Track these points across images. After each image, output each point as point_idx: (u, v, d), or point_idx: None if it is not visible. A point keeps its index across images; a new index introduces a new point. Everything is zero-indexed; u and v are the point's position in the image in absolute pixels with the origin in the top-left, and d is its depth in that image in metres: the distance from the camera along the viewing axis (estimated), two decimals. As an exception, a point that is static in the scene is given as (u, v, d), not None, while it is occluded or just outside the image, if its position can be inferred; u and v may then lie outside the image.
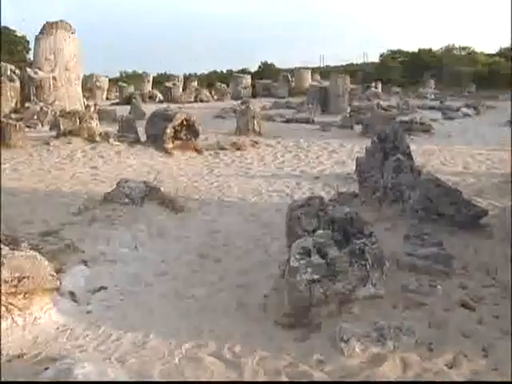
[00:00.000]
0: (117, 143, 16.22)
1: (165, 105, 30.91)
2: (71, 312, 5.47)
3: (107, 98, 47.55)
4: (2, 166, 13.66)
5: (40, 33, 28.83)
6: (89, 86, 49.81)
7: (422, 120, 21.28)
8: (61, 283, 5.54)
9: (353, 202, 8.32)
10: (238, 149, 16.56)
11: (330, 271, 4.89)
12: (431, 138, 19.39)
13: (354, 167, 10.34)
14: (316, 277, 4.83)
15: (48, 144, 16.01)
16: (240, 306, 5.53)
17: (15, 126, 15.73)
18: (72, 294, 5.84)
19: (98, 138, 16.48)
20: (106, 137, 16.63)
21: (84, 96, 39.22)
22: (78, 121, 17.73)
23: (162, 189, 9.55)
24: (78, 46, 29.30)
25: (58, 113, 20.39)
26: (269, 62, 67.12)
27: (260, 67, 66.04)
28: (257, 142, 17.53)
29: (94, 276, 6.32)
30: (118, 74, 70.91)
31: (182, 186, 11.30)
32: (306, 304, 4.85)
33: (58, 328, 5.14)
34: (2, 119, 16.20)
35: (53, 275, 5.37)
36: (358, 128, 20.64)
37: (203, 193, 10.83)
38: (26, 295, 5.21)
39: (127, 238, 7.50)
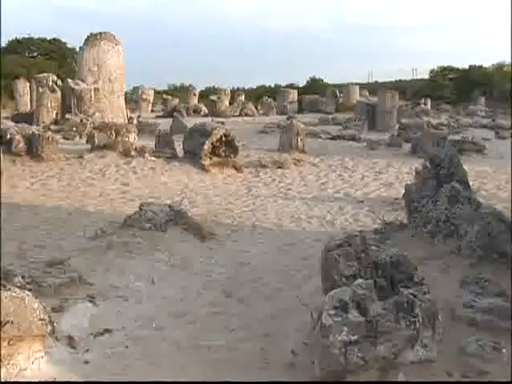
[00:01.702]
0: (152, 158, 15.49)
1: (209, 119, 30.31)
2: (65, 361, 4.64)
3: (152, 111, 47.25)
4: (32, 180, 13.10)
5: (84, 44, 28.52)
6: (134, 98, 49.72)
7: (473, 139, 20.17)
8: (53, 328, 4.72)
9: (400, 234, 7.38)
10: (280, 167, 15.71)
11: (371, 331, 3.98)
12: (484, 158, 18.26)
13: (402, 191, 9.43)
14: (353, 338, 3.92)
15: (82, 157, 15.37)
16: (264, 361, 4.64)
17: (48, 137, 15.12)
18: (70, 338, 5.02)
19: (133, 153, 15.78)
20: (141, 152, 15.92)
21: (129, 108, 38.96)
22: (113, 134, 17.10)
23: (189, 213, 8.73)
24: (122, 58, 28.87)
25: (94, 125, 19.80)
26: (317, 77, 66.18)
27: (308, 82, 65.16)
28: (300, 160, 16.64)
29: (100, 315, 5.49)
30: (166, 87, 70.88)
31: (215, 208, 10.51)
32: (341, 370, 3.94)
33: (45, 382, 4.34)
34: (35, 131, 15.60)
35: (43, 319, 4.54)
36: (406, 147, 19.60)
37: (236, 217, 9.97)
38: (11, 342, 4.41)
39: (144, 270, 6.66)
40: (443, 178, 7.40)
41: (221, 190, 12.71)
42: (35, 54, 66.71)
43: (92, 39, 27.95)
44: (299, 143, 18.44)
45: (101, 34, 28.05)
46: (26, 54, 66.11)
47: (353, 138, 23.13)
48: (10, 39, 67.34)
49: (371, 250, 4.82)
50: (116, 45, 28.42)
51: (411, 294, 4.28)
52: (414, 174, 10.41)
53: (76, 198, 11.40)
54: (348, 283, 4.60)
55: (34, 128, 20.40)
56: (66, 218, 9.55)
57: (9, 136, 15.22)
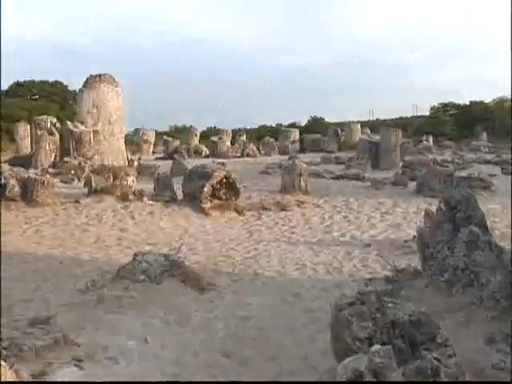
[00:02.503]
0: (151, 202, 14.99)
1: (210, 160, 29.92)
2: None
3: (153, 152, 47.01)
4: (25, 226, 12.61)
5: (83, 86, 28.31)
6: (135, 139, 49.54)
7: (480, 176, 19.65)
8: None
9: (414, 283, 6.83)
10: (283, 209, 15.19)
11: (393, 407, 3.43)
12: (493, 195, 17.70)
13: (411, 232, 8.89)
14: (372, 416, 3.38)
15: (78, 202, 14.87)
16: None
17: (43, 182, 14.65)
18: (51, 411, 4.48)
19: (131, 197, 15.29)
20: (140, 195, 15.43)
21: (129, 150, 38.64)
22: (111, 177, 16.65)
23: (187, 261, 8.20)
24: (122, 100, 28.62)
25: (91, 168, 19.36)
26: (318, 116, 66.09)
27: (309, 121, 65.04)
28: (303, 202, 16.13)
29: (86, 380, 4.94)
30: (167, 128, 70.85)
31: (215, 255, 9.97)
32: None
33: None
34: (30, 175, 15.14)
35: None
36: (412, 185, 19.06)
37: (237, 264, 9.40)
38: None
39: (137, 327, 6.10)
40: (460, 221, 6.86)
41: (222, 235, 12.18)
42: (37, 96, 66.87)
43: (91, 81, 27.74)
44: (302, 184, 17.94)
45: (100, 75, 27.85)
46: (28, 97, 66.27)
47: (357, 177, 22.64)
48: (12, 82, 67.58)
49: (387, 307, 4.28)
50: (116, 87, 28.21)
51: (435, 359, 3.74)
52: (422, 214, 9.92)
53: (70, 246, 10.88)
54: (362, 347, 4.06)
55: (31, 172, 20.01)
56: (58, 267, 9.01)
57: (3, 180, 14.77)
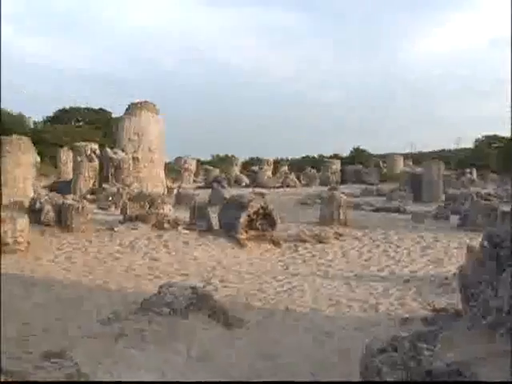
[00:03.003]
0: (185, 231, 14.74)
1: (250, 190, 29.70)
2: None
3: (194, 181, 47.10)
4: (57, 252, 12.45)
5: (125, 113, 28.44)
6: (177, 168, 49.75)
7: (526, 211, 19.00)
8: None
9: (455, 325, 6.37)
10: (321, 241, 14.79)
11: None
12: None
13: (452, 269, 8.42)
14: None
15: (112, 229, 14.70)
16: None
17: (78, 208, 14.51)
18: None
19: (166, 225, 15.06)
20: (175, 224, 15.19)
21: (170, 178, 38.67)
22: (147, 205, 16.49)
23: (217, 294, 7.86)
24: (162, 127, 28.66)
25: (129, 195, 19.25)
26: (360, 148, 65.58)
27: (352, 152, 64.61)
28: (341, 234, 15.72)
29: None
30: (209, 157, 71.09)
31: (247, 289, 9.60)
32: None
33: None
34: (65, 201, 15.03)
35: None
36: (454, 219, 18.49)
37: (269, 299, 8.98)
38: None
39: (158, 363, 5.77)
40: (504, 259, 6.41)
41: (256, 267, 11.83)
42: (81, 123, 67.72)
43: (133, 108, 27.87)
44: (341, 216, 17.55)
45: (141, 103, 27.99)
46: (73, 123, 67.14)
47: (397, 210, 22.17)
48: (57, 108, 68.59)
49: (423, 355, 3.88)
50: (156, 114, 28.28)
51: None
52: (464, 250, 9.48)
53: (99, 274, 10.65)
54: (394, 399, 3.68)
55: (69, 197, 20.00)
56: (84, 296, 8.76)
57: (38, 205, 14.70)
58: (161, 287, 7.34)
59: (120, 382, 3.65)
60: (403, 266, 12.26)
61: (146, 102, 28.28)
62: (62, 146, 42.12)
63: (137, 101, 28.28)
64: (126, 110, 28.33)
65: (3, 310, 7.71)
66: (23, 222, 12.71)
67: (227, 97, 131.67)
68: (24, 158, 16.01)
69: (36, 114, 68.48)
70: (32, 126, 65.12)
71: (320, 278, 10.85)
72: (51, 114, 68.74)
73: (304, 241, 14.79)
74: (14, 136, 17.22)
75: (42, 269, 10.96)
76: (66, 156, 38.37)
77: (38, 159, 46.84)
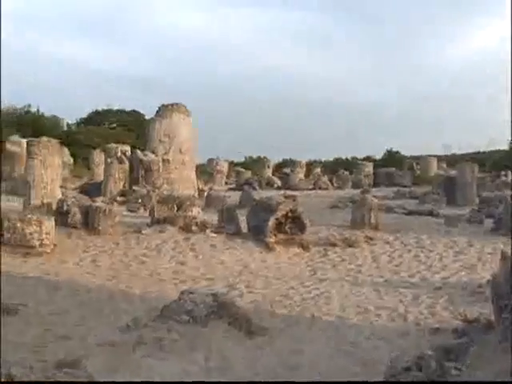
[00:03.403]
0: (213, 235, 14.53)
1: (281, 192, 29.44)
2: None
3: (226, 183, 46.94)
4: (82, 255, 12.36)
5: (156, 115, 28.37)
6: (209, 169, 49.68)
7: None
8: None
9: (487, 338, 6.08)
10: (350, 245, 14.48)
11: None
12: None
13: (486, 275, 8.08)
14: None
15: (140, 232, 14.56)
16: None
17: (105, 210, 14.40)
18: None
19: (194, 228, 14.87)
20: (203, 227, 15.00)
21: (202, 180, 38.59)
22: (175, 207, 16.33)
23: (242, 299, 7.65)
24: (194, 129, 28.54)
25: (158, 197, 19.12)
26: (393, 150, 64.92)
27: (384, 154, 63.95)
28: (372, 238, 15.37)
29: None
30: (242, 159, 70.91)
31: (272, 295, 9.37)
32: None
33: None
34: (93, 204, 14.93)
35: None
36: (488, 223, 18.01)
37: (295, 306, 8.71)
38: None
39: (175, 373, 5.57)
40: (539, 270, 6.09)
41: (283, 272, 11.60)
42: (114, 125, 68.05)
43: (163, 110, 27.77)
44: (372, 219, 17.20)
45: (172, 105, 27.87)
46: (106, 125, 67.51)
47: (430, 214, 21.69)
48: (91, 110, 69.03)
49: (450, 375, 3.62)
50: (188, 116, 28.17)
51: None
52: (499, 256, 9.11)
53: (124, 278, 10.51)
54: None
55: (99, 199, 19.97)
56: (106, 301, 8.61)
57: (65, 207, 14.63)
58: (181, 294, 7.14)
59: (120, 382, 3.48)
60: (435, 271, 11.93)
61: (176, 103, 28.18)
62: (94, 148, 42.35)
63: (168, 103, 28.22)
64: (157, 111, 28.27)
65: (27, 315, 7.60)
66: (49, 224, 12.64)
67: (261, 98, 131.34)
68: (52, 160, 15.96)
69: (71, 117, 68.67)
70: (66, 128, 65.63)
71: (349, 283, 10.58)
72: (85, 116, 69.20)
73: (334, 245, 14.50)
74: (43, 138, 17.21)
75: (66, 272, 10.86)
76: (98, 158, 38.58)
77: (71, 161, 47.29)
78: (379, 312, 8.43)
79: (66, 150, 45.98)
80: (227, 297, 7.51)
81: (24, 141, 26.36)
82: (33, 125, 53.08)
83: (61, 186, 32.36)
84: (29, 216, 12.50)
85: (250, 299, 8.97)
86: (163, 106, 27.91)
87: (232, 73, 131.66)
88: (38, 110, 63.77)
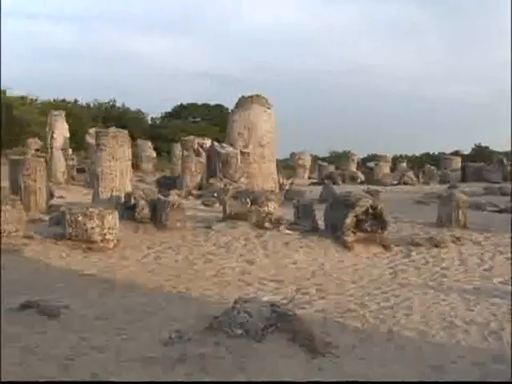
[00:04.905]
0: (287, 232, 13.57)
1: (363, 187, 28.32)
2: None
3: (309, 177, 46.08)
4: (146, 252, 11.66)
5: (235, 107, 27.70)
6: (291, 163, 48.93)
7: None
8: None
9: None
10: (436, 246, 13.23)
11: None
12: None
13: None
14: None
15: (210, 228, 13.75)
16: None
17: (173, 204, 13.64)
18: None
19: (267, 224, 13.94)
20: (277, 223, 14.05)
21: (285, 174, 37.76)
22: (249, 202, 15.45)
23: (309, 307, 6.67)
24: (274, 122, 27.69)
25: (233, 192, 18.33)
26: (482, 144, 62.51)
27: (473, 149, 61.62)
28: (460, 238, 14.05)
29: None
30: (327, 153, 69.98)
31: (345, 302, 8.31)
32: None
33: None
34: (161, 198, 14.20)
35: None
36: None
37: (370, 317, 7.53)
38: None
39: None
40: None
41: (360, 275, 10.52)
42: (198, 119, 68.19)
43: (243, 102, 27.07)
44: (460, 217, 15.87)
45: (252, 97, 27.11)
46: (190, 119, 67.72)
47: (525, 212, 20.13)
48: (176, 104, 69.43)
49: None
50: (268, 108, 27.37)
51: None
52: None
53: (185, 278, 9.67)
54: None
55: (174, 192, 19.35)
56: (159, 305, 7.75)
57: (133, 201, 13.97)
58: (235, 302, 6.19)
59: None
60: (533, 277, 10.61)
61: (257, 95, 27.42)
62: (176, 142, 42.24)
63: (247, 94, 27.48)
64: (236, 103, 27.57)
65: (69, 319, 6.88)
66: (112, 218, 11.97)
67: (346, 93, 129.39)
68: (121, 152, 15.32)
69: (155, 112, 69.25)
70: (150, 122, 66.18)
71: (433, 290, 9.39)
72: (169, 110, 69.64)
73: (418, 244, 13.31)
74: (111, 128, 16.62)
75: (125, 270, 10.12)
76: (179, 151, 38.29)
77: (154, 154, 47.37)
78: (468, 327, 7.16)
79: (149, 144, 46.15)
80: (288, 307, 6.48)
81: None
82: (118, 119, 53.62)
83: (140, 180, 32.32)
84: (90, 210, 11.85)
85: (319, 306, 7.95)
86: (242, 97, 27.19)
87: (317, 68, 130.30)
88: (123, 105, 64.53)
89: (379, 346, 6.36)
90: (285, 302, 7.46)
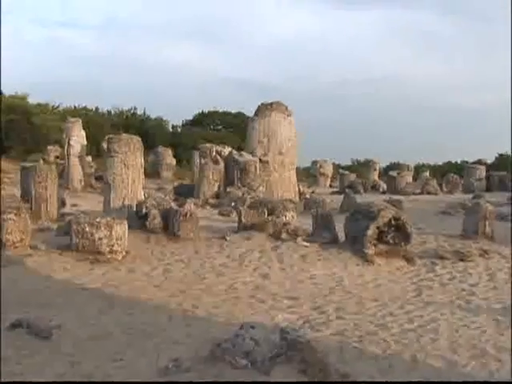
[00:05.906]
0: (305, 243, 12.90)
1: (385, 196, 27.61)
2: None
3: (330, 186, 45.38)
4: (156, 264, 11.09)
5: (254, 114, 27.08)
6: (313, 172, 48.30)
7: None
8: None
9: None
10: (462, 259, 12.52)
11: None
12: None
13: None
14: None
15: (224, 238, 13.14)
16: None
17: (186, 214, 13.04)
18: None
19: (284, 235, 13.29)
20: (294, 234, 13.39)
21: (306, 183, 37.08)
22: (265, 212, 14.80)
23: (326, 328, 6.02)
24: (295, 129, 27.05)
25: (250, 201, 17.71)
26: (507, 153, 61.29)
27: (497, 158, 60.45)
28: (487, 251, 13.30)
29: None
30: (349, 162, 69.14)
31: (365, 323, 7.65)
32: None
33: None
34: (173, 207, 13.62)
35: None
36: None
37: (392, 341, 6.83)
38: None
39: None
40: None
41: (381, 291, 9.84)
42: (219, 127, 67.76)
43: (263, 109, 26.44)
44: (487, 228, 15.11)
45: (272, 104, 26.49)
46: (211, 127, 67.27)
47: (552, 224, 19.30)
48: (197, 112, 69.00)
49: None
50: (288, 115, 26.72)
51: None
52: None
53: (193, 293, 9.06)
54: None
55: (190, 201, 18.76)
56: (161, 326, 7.14)
57: (145, 210, 13.40)
58: (241, 328, 5.54)
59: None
60: None
61: (277, 102, 26.78)
62: (196, 149, 41.75)
63: (267, 102, 26.86)
64: (256, 111, 26.96)
65: (60, 339, 6.29)
66: (121, 228, 11.40)
67: (371, 102, 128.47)
68: (134, 159, 14.73)
69: (177, 119, 68.91)
70: (171, 130, 65.79)
71: (460, 309, 8.69)
72: (190, 118, 69.24)
73: (443, 257, 12.59)
74: (123, 135, 16.05)
75: (130, 285, 9.52)
76: (198, 159, 37.79)
77: (174, 162, 46.88)
78: (500, 356, 6.40)
79: (169, 152, 45.68)
80: (300, 333, 5.80)
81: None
82: (139, 127, 53.22)
83: (159, 188, 31.80)
84: (97, 220, 11.28)
85: (336, 328, 7.29)
86: (262, 104, 26.56)
87: (340, 78, 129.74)
88: (144, 113, 64.19)
89: (400, 377, 5.65)
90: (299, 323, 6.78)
